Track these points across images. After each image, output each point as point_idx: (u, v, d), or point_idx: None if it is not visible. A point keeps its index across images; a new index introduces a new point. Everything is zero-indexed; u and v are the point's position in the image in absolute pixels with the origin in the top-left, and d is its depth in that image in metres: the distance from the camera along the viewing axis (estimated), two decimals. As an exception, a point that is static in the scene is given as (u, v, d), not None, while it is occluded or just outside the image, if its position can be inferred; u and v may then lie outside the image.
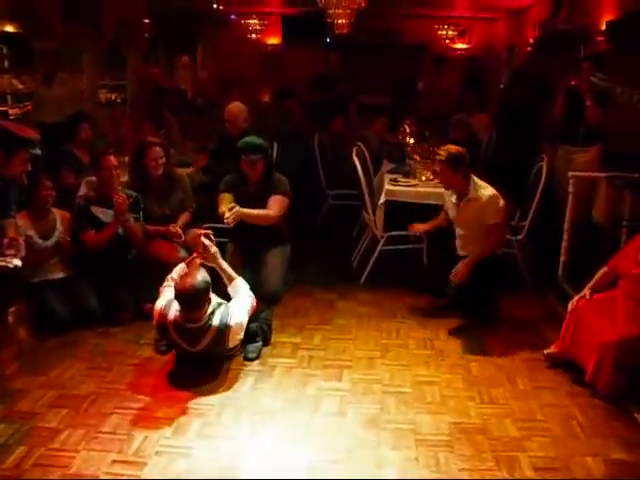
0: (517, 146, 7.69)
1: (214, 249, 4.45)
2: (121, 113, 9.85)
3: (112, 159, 5.15)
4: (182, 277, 4.16)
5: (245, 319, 4.21)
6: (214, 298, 4.19)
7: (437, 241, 5.50)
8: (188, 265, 4.43)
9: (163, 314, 4.12)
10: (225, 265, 4.47)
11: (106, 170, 5.11)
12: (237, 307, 4.20)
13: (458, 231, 5.13)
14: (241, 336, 4.22)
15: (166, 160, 5.44)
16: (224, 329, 4.07)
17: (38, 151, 4.26)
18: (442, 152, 4.95)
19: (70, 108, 6.53)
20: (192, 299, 4.00)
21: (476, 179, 5.00)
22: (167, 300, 4.18)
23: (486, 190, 4.95)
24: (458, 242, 5.16)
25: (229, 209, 4.64)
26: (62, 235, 5.00)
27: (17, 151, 4.07)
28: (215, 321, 4.06)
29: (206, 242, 4.45)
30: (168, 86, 10.98)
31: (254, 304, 4.37)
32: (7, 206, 4.37)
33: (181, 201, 5.49)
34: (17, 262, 3.95)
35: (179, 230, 5.26)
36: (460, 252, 5.12)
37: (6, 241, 4.15)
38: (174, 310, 4.09)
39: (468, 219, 4.97)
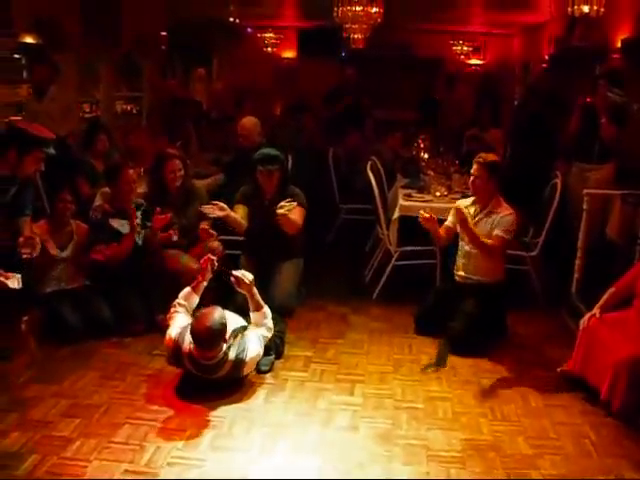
0: (531, 162, 7.69)
1: (250, 278, 4.37)
2: (135, 124, 9.94)
3: (132, 173, 5.20)
4: (198, 318, 3.99)
5: (261, 351, 4.20)
6: (232, 325, 4.15)
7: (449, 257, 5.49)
8: (194, 289, 4.37)
9: (177, 345, 4.06)
10: (256, 293, 4.39)
11: (125, 184, 5.16)
12: (255, 341, 4.16)
13: (464, 248, 5.06)
14: (255, 364, 4.22)
15: (185, 173, 5.46)
16: (240, 363, 4.04)
17: (52, 150, 4.31)
18: (482, 156, 5.02)
19: (60, 124, 6.46)
20: (209, 341, 3.91)
21: (500, 197, 5.07)
22: (179, 328, 4.10)
23: (508, 209, 5.00)
24: (461, 261, 5.09)
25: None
26: (77, 246, 5.03)
27: (31, 150, 4.10)
28: (231, 355, 4.01)
29: (247, 278, 4.37)
30: (184, 98, 11.05)
31: (271, 335, 4.37)
32: (23, 205, 4.43)
33: (199, 213, 5.50)
34: (15, 285, 4.01)
35: (210, 230, 5.20)
36: (461, 273, 5.09)
37: (22, 240, 4.20)
38: (188, 341, 4.01)
39: (482, 232, 4.95)
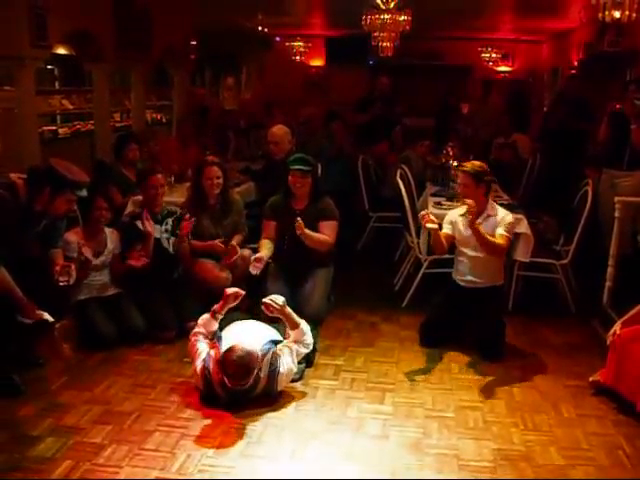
0: (561, 170, 7.65)
1: (280, 301, 4.34)
2: (161, 133, 10.05)
3: (160, 177, 5.25)
4: (226, 353, 3.91)
5: (294, 366, 4.19)
6: (263, 339, 4.14)
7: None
8: (213, 316, 4.31)
9: (205, 376, 4.02)
10: (291, 313, 4.37)
11: (152, 188, 5.22)
12: (287, 355, 4.14)
13: (467, 253, 4.98)
14: (289, 379, 4.21)
15: (224, 181, 5.49)
16: (273, 379, 4.03)
17: (84, 193, 4.46)
18: (467, 165, 4.99)
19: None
20: (239, 373, 3.85)
21: (494, 203, 5.09)
22: (202, 361, 4.06)
23: (503, 211, 5.01)
24: (464, 266, 5.02)
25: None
26: (112, 253, 5.09)
27: (63, 192, 4.25)
28: (263, 374, 4.00)
29: (277, 302, 4.33)
30: (213, 106, 11.16)
31: (308, 350, 4.37)
32: (56, 238, 4.57)
33: (234, 225, 5.53)
34: (48, 317, 4.13)
35: (236, 247, 5.23)
36: (464, 277, 5.02)
37: (58, 268, 4.31)
38: (214, 369, 3.98)
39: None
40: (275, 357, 4.07)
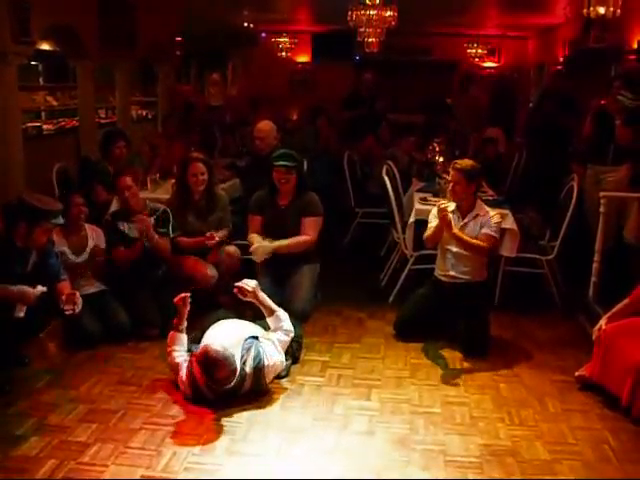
0: (547, 165, 7.67)
1: (252, 284, 4.35)
2: (149, 130, 10.02)
3: (127, 180, 5.21)
4: (198, 352, 3.94)
5: (280, 356, 4.19)
6: (244, 335, 4.12)
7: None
8: (176, 331, 4.27)
9: (192, 382, 3.98)
10: (264, 299, 4.38)
11: (121, 191, 5.20)
12: (270, 347, 4.14)
13: (450, 249, 4.98)
14: (277, 370, 4.19)
15: (209, 177, 5.47)
16: (259, 372, 4.01)
17: (61, 220, 4.46)
18: (460, 163, 4.99)
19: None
20: (220, 374, 3.84)
21: (482, 203, 5.11)
22: (187, 367, 4.05)
23: (492, 210, 5.05)
24: (448, 262, 5.02)
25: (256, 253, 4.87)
26: (94, 250, 5.06)
27: (39, 223, 4.25)
28: (248, 368, 3.97)
29: (249, 285, 4.35)
30: (199, 103, 11.12)
31: (289, 338, 4.35)
32: (57, 271, 4.55)
33: (219, 220, 5.52)
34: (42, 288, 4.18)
35: (214, 234, 5.27)
36: (448, 273, 5.02)
37: (64, 297, 4.32)
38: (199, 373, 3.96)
39: (471, 235, 4.90)
40: (259, 350, 4.05)
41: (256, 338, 4.18)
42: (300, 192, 5.21)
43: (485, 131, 8.62)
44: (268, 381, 4.12)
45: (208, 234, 5.28)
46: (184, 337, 4.31)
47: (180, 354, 4.21)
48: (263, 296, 4.39)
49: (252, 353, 4.02)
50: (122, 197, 5.22)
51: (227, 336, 4.08)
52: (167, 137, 7.79)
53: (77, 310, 4.35)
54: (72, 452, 3.48)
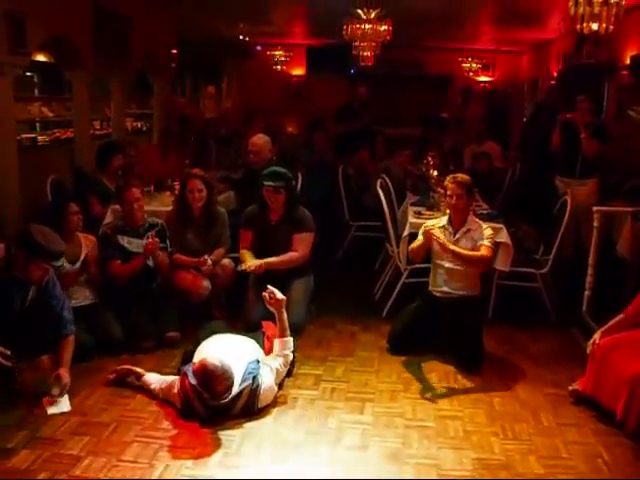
0: (540, 179, 7.70)
1: (281, 295, 4.38)
2: (144, 142, 10.01)
3: (135, 192, 5.21)
4: (197, 364, 3.90)
5: (275, 387, 4.17)
6: (243, 357, 4.09)
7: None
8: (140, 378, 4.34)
9: (184, 396, 3.98)
10: (285, 317, 4.38)
11: (127, 204, 5.19)
12: (268, 375, 4.12)
13: (443, 265, 4.99)
14: (270, 399, 4.15)
15: (208, 194, 5.47)
16: (253, 399, 3.98)
17: (60, 263, 4.30)
18: (461, 177, 5.02)
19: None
20: (217, 387, 3.83)
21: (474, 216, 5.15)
22: (178, 385, 4.05)
23: (483, 223, 5.07)
24: (440, 278, 5.04)
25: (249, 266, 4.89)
26: (87, 258, 5.04)
27: (37, 259, 4.11)
28: (244, 391, 3.95)
29: (280, 294, 4.38)
30: (194, 115, 11.12)
31: (286, 369, 4.36)
32: (60, 318, 4.38)
33: (218, 237, 5.51)
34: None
35: (207, 259, 5.26)
36: (440, 289, 5.03)
37: (53, 375, 4.21)
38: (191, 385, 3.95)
39: (466, 248, 4.90)
40: (257, 376, 4.01)
41: (257, 362, 4.14)
42: (290, 208, 5.22)
43: (484, 144, 8.63)
44: (260, 406, 4.06)
45: (202, 258, 5.27)
46: (151, 374, 4.34)
47: (162, 381, 4.21)
48: (285, 314, 4.38)
49: (250, 377, 3.97)
50: (128, 209, 5.20)
51: (226, 353, 4.01)
52: (162, 150, 7.77)
53: (63, 392, 4.16)
54: (64, 465, 3.46)
